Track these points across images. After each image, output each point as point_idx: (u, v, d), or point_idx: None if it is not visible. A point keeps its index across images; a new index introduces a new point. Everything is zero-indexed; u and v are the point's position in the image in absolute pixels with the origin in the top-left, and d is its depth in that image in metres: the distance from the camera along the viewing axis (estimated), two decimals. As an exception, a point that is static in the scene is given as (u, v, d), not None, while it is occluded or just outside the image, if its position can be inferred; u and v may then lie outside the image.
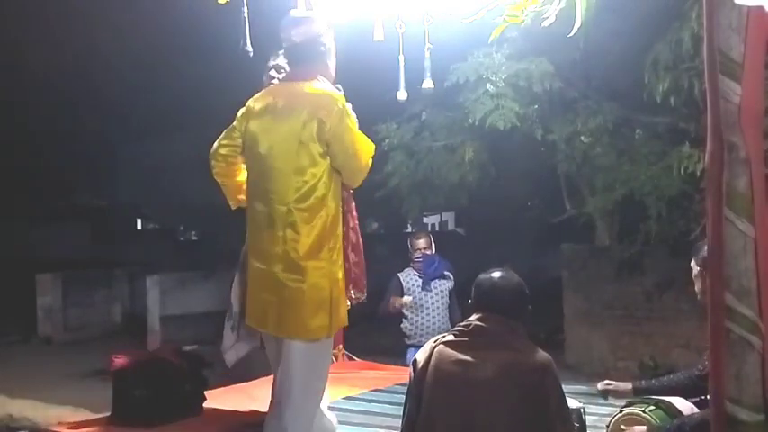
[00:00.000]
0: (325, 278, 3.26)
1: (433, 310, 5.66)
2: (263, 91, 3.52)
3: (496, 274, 2.91)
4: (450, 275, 5.71)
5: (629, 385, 3.49)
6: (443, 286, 5.68)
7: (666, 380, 3.41)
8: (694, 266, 3.27)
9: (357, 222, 3.61)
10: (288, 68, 3.53)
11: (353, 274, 3.46)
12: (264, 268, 3.27)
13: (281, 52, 3.53)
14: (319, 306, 3.23)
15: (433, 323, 5.60)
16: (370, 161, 3.50)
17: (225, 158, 3.51)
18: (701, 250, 3.19)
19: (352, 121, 3.41)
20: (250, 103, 3.46)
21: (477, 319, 2.81)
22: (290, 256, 3.22)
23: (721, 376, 2.35)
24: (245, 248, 3.43)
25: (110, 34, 10.24)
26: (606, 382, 3.54)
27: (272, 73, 3.63)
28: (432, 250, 5.76)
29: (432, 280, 5.69)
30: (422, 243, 5.74)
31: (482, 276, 2.96)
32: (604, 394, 3.53)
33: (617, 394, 3.51)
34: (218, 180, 3.61)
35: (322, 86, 3.38)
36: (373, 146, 3.55)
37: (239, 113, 3.47)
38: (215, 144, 3.53)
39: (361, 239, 3.59)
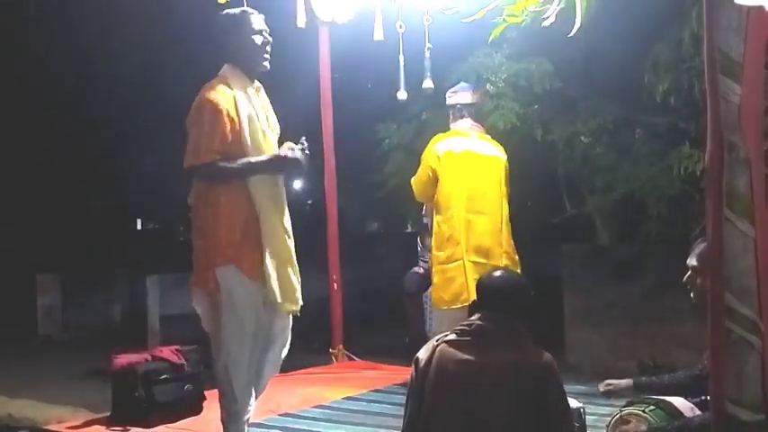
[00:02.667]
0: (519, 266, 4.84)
1: None
2: (457, 133, 5.00)
3: (497, 274, 2.92)
4: None
5: (630, 381, 3.48)
6: None
7: (668, 378, 3.40)
8: (694, 262, 3.20)
9: None
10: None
11: None
12: (487, 262, 4.71)
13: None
14: None
15: None
16: None
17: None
18: (701, 249, 3.15)
19: None
20: (447, 144, 4.91)
21: (479, 319, 2.81)
22: (509, 253, 4.89)
23: (721, 376, 2.35)
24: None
25: (111, 34, 10.24)
26: (607, 382, 3.54)
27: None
28: None
29: None
30: None
31: (483, 276, 2.98)
32: (606, 395, 3.53)
33: (618, 392, 3.51)
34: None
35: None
36: None
37: (436, 152, 4.90)
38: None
39: None
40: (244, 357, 3.66)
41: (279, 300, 3.64)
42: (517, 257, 4.93)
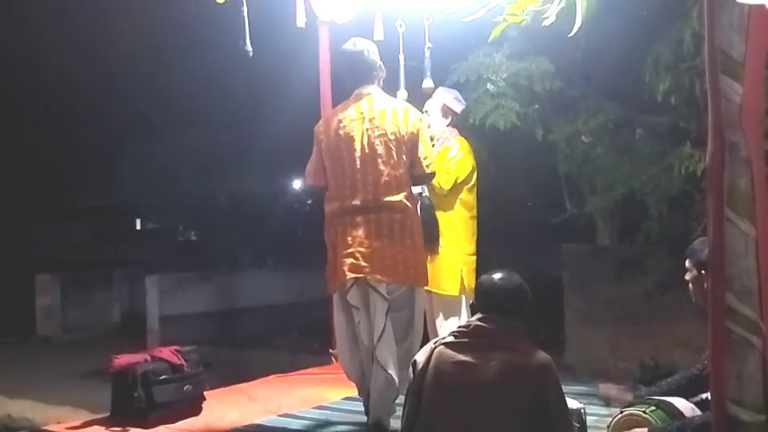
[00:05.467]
0: None
1: None
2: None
3: (497, 276, 2.92)
4: None
5: (629, 395, 3.49)
6: None
7: (665, 384, 3.41)
8: (690, 267, 3.25)
9: None
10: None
11: None
12: None
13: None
14: None
15: None
16: None
17: None
18: (697, 251, 3.18)
19: None
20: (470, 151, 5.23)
21: (478, 320, 2.81)
22: None
23: (722, 377, 2.34)
24: None
25: (110, 34, 10.24)
26: (609, 385, 3.54)
27: None
28: None
29: None
30: None
31: (484, 277, 2.98)
32: (605, 401, 3.53)
33: (617, 400, 3.52)
34: None
35: None
36: None
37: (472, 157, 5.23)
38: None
39: None
40: None
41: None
42: None
